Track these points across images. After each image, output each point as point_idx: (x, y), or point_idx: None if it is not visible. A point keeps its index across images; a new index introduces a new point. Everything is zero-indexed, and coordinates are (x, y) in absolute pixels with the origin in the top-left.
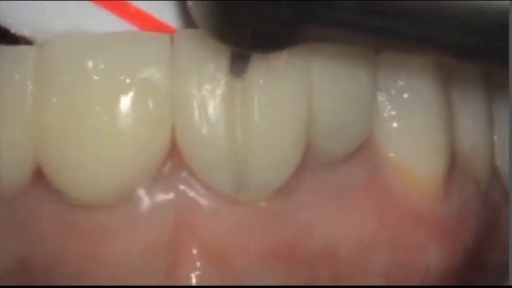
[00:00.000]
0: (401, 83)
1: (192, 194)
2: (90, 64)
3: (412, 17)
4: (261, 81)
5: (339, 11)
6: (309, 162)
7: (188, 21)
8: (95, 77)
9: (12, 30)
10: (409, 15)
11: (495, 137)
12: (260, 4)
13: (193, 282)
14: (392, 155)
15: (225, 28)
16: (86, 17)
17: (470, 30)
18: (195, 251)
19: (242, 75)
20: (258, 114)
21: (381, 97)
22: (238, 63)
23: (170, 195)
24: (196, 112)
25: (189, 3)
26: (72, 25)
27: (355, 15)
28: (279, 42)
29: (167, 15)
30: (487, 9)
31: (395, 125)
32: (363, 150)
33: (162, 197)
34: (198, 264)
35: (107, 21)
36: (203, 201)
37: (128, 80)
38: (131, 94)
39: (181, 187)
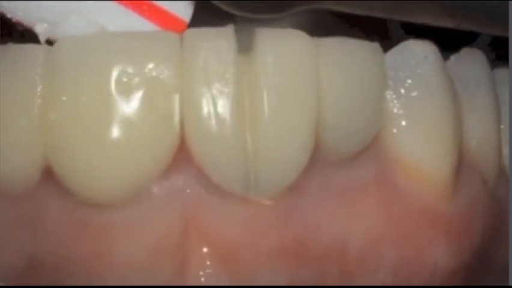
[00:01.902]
0: (409, 81)
1: (201, 192)
2: (99, 63)
3: None
4: (270, 81)
5: None
6: (318, 161)
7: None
8: (105, 76)
9: (24, 25)
10: None
11: (502, 136)
12: None
13: (203, 280)
14: (400, 153)
15: None
16: (108, 16)
17: None
18: (204, 249)
19: (249, 51)
20: (267, 113)
21: (389, 96)
22: (244, 39)
23: (179, 194)
24: (205, 110)
25: None
26: (95, 24)
27: None
28: (279, 3)
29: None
30: None
31: (403, 123)
32: (371, 148)
33: (171, 195)
34: (208, 262)
35: (120, 16)
36: (212, 200)
37: (137, 78)
38: (140, 92)
39: (190, 185)
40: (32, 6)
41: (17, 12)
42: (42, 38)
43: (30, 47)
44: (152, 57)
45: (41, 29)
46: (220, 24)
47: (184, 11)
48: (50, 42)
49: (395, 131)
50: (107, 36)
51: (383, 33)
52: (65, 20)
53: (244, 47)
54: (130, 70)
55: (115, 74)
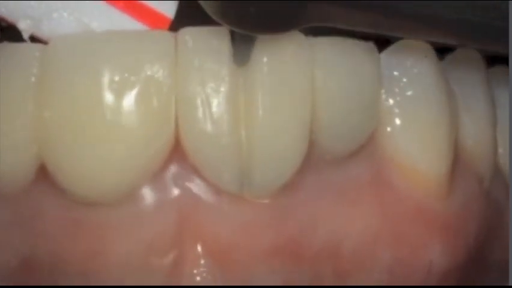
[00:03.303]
0: (404, 80)
1: (195, 191)
2: (94, 62)
3: None
4: (265, 80)
5: None
6: (313, 159)
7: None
8: (99, 75)
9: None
10: None
11: (498, 135)
12: None
13: (197, 279)
14: (395, 152)
15: (228, 7)
16: (92, 14)
17: (470, 6)
18: (198, 249)
19: (246, 63)
20: (261, 112)
21: (384, 95)
22: (242, 50)
23: (174, 193)
24: (200, 110)
25: None
26: (79, 22)
27: None
28: (284, 22)
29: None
30: None
31: (398, 123)
32: (366, 147)
33: (166, 194)
34: (202, 261)
35: (103, 12)
36: (207, 199)
37: (132, 78)
38: (135, 92)
39: (185, 185)
40: (15, 3)
41: (0, 9)
42: (25, 35)
43: (24, 46)
44: (146, 56)
45: (24, 26)
46: (205, 21)
47: (168, 8)
48: (33, 39)
49: (390, 130)
50: (101, 35)
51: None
52: (49, 17)
53: (242, 54)
54: (124, 69)
55: (109, 73)
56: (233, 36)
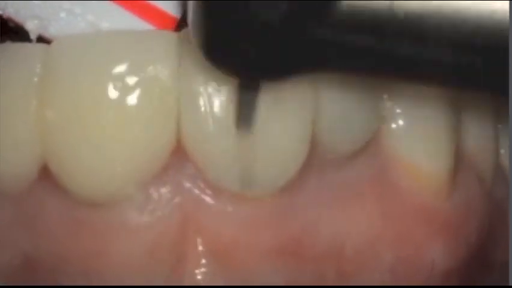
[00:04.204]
0: None
1: (197, 191)
2: (97, 62)
3: (410, 37)
4: None
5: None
6: (315, 159)
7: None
8: (102, 75)
9: (14, 21)
10: (407, 35)
11: (500, 135)
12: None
13: (199, 279)
14: (397, 152)
15: (230, 58)
16: (100, 14)
17: (469, 51)
18: (200, 248)
19: (251, 128)
20: (264, 111)
21: (386, 95)
22: (246, 113)
23: (176, 193)
24: (202, 109)
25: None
26: (87, 22)
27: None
28: (286, 70)
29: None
30: (486, 29)
31: (400, 122)
32: (369, 147)
33: (168, 194)
34: (204, 261)
35: (110, 12)
36: (209, 198)
37: (135, 78)
38: (138, 92)
39: (187, 184)
40: (23, 3)
41: (8, 9)
42: (33, 35)
43: (28, 45)
44: (150, 56)
45: (32, 26)
46: None
47: (174, 8)
48: (41, 39)
49: (392, 130)
50: (105, 35)
51: None
52: (56, 17)
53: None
54: (127, 69)
55: (112, 73)
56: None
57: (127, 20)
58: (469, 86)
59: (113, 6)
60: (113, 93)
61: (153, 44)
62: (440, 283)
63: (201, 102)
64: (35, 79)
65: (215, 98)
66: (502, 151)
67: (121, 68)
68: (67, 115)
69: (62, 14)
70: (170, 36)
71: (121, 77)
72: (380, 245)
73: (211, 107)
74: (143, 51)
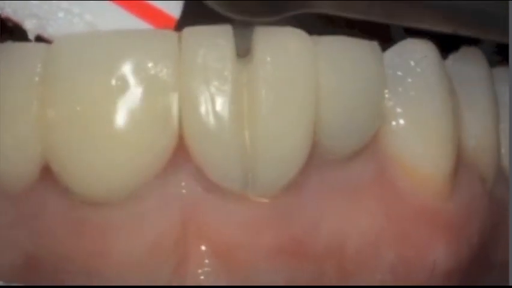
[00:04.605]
0: (408, 80)
1: (199, 190)
2: (98, 61)
3: None
4: (269, 79)
5: None
6: (316, 159)
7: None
8: (103, 74)
9: (13, 20)
10: None
11: (501, 135)
12: None
13: (201, 278)
14: (398, 152)
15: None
16: (98, 13)
17: None
18: (202, 248)
19: (247, 55)
20: (265, 111)
21: (388, 94)
22: (243, 42)
23: (178, 192)
24: (204, 108)
25: None
26: (85, 22)
27: None
28: (280, 7)
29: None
30: None
31: (402, 122)
32: (370, 147)
33: (169, 193)
34: (206, 260)
35: (109, 12)
36: (210, 198)
37: (136, 77)
38: (139, 90)
39: (189, 184)
40: (21, 3)
41: (6, 8)
42: (31, 35)
43: (28, 45)
44: (150, 55)
45: (30, 25)
46: (210, 20)
47: (174, 8)
48: (39, 39)
49: (393, 129)
50: (105, 35)
51: (384, 33)
52: (55, 17)
53: (243, 45)
54: (128, 69)
55: (113, 72)
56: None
57: (125, 20)
58: (464, 27)
59: (111, 5)
60: (113, 92)
61: (153, 43)
62: (441, 283)
63: (202, 101)
64: (36, 79)
65: (216, 97)
66: (503, 151)
67: (121, 68)
68: (68, 114)
69: (61, 14)
70: (170, 35)
71: (121, 77)
72: (381, 245)
73: (213, 105)
74: (144, 50)
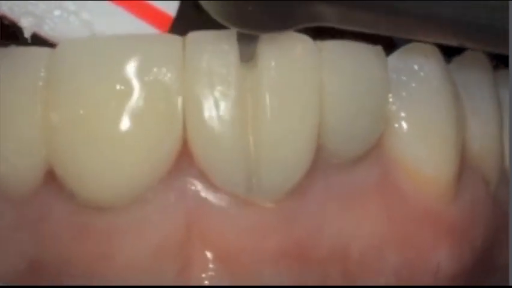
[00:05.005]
0: (411, 84)
1: (203, 195)
2: (102, 66)
3: None
4: (273, 84)
5: None
6: (320, 163)
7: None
8: (107, 79)
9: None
10: None
11: (504, 139)
12: None
13: (205, 283)
14: (402, 156)
15: (226, 6)
16: (94, 11)
17: (471, 5)
18: (206, 252)
19: (252, 59)
20: (269, 115)
21: (392, 99)
22: (247, 48)
23: (182, 197)
24: (207, 113)
25: None
26: (81, 20)
27: None
28: (282, 20)
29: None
30: None
31: (405, 126)
32: (373, 151)
33: (173, 198)
34: (210, 265)
35: (114, 15)
36: (214, 202)
37: (139, 81)
38: (142, 95)
39: (192, 188)
40: (17, 1)
41: (2, 6)
42: (27, 33)
43: (32, 49)
44: (154, 60)
45: (26, 23)
46: (206, 20)
47: (170, 6)
48: (35, 37)
49: (397, 133)
50: (109, 39)
51: (387, 38)
52: (51, 15)
53: (247, 50)
54: (132, 73)
55: (117, 76)
56: (238, 37)
57: (122, 18)
58: (470, 40)
59: (107, 4)
60: (117, 97)
61: (157, 47)
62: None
63: (206, 105)
64: (40, 83)
65: (220, 101)
66: (507, 154)
67: (125, 72)
68: (72, 119)
69: (57, 12)
70: (174, 39)
71: (125, 81)
72: (385, 248)
73: (217, 110)
74: (147, 54)
